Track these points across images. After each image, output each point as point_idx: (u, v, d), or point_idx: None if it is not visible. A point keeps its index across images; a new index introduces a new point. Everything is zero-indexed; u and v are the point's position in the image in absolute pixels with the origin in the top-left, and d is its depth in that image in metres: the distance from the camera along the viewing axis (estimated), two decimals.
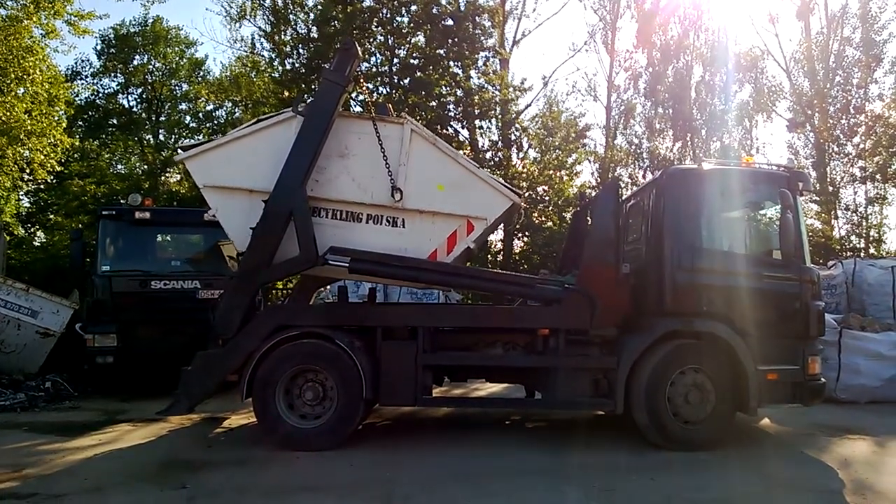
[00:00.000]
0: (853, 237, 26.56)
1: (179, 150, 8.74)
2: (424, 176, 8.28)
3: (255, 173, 8.18)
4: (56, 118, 18.33)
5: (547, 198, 24.67)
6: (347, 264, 8.08)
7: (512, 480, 6.87)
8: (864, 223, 26.54)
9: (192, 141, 9.02)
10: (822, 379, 8.47)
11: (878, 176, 25.81)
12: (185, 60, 33.71)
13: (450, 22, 22.95)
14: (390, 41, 23.74)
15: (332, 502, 6.26)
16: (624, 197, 9.82)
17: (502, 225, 13.17)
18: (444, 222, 8.37)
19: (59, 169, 19.96)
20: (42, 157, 17.57)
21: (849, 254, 23.98)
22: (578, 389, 8.19)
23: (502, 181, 9.17)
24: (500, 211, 8.54)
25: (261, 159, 8.16)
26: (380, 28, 23.71)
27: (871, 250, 25.55)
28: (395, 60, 23.88)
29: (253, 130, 8.46)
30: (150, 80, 32.40)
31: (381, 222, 8.36)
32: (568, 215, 20.80)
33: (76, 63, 31.11)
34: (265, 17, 26.98)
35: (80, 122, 29.78)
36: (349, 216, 8.36)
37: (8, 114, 16.22)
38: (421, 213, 8.34)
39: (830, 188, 26.35)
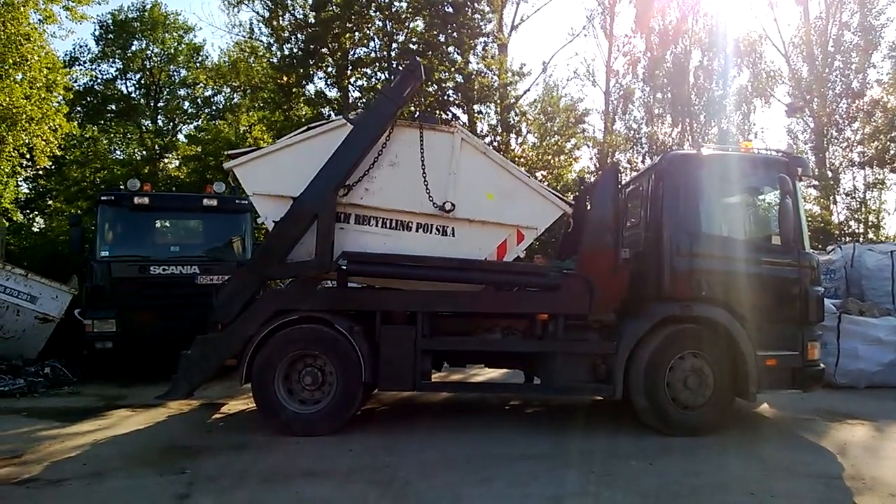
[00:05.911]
0: (852, 222, 26.59)
1: (228, 157, 8.60)
2: (474, 185, 8.19)
3: (304, 182, 8.00)
4: (56, 104, 18.29)
5: (546, 183, 24.53)
6: (345, 266, 8.02)
7: (511, 466, 6.87)
8: (864, 208, 26.54)
9: (237, 150, 8.80)
10: (822, 364, 8.49)
11: (876, 161, 25.80)
12: (183, 46, 33.64)
13: (450, 9, 22.84)
14: (388, 26, 23.65)
15: (331, 488, 6.26)
16: (623, 182, 9.80)
17: None
18: (494, 231, 8.31)
19: (59, 153, 19.95)
20: (42, 143, 17.54)
21: (848, 239, 23.95)
22: (577, 375, 8.18)
23: (552, 189, 9.08)
24: (551, 220, 8.53)
25: (310, 168, 7.99)
26: (378, 13, 23.61)
27: (870, 235, 25.54)
28: (394, 46, 23.79)
29: (303, 138, 8.33)
30: (148, 66, 32.35)
31: (430, 231, 8.28)
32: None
33: (74, 48, 31.25)
34: (263, 1, 26.97)
35: (79, 108, 29.73)
36: (399, 225, 8.29)
37: (7, 99, 16.18)
38: (471, 222, 8.26)
39: (829, 173, 26.34)
